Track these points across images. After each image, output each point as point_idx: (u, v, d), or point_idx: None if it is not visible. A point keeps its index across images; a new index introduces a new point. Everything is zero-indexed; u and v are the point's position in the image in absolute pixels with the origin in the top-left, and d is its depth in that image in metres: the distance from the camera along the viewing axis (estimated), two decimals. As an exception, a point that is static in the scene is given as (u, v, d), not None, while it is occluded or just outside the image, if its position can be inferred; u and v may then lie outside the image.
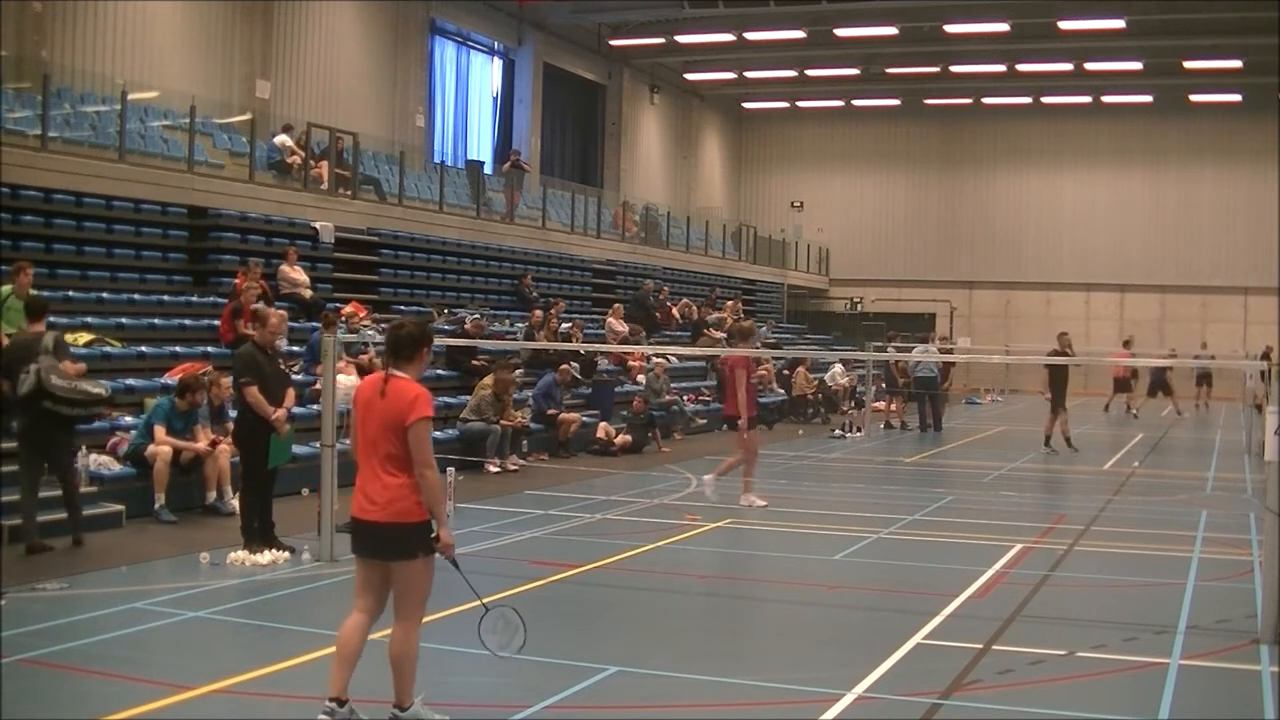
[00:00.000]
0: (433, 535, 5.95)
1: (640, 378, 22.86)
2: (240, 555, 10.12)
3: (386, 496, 5.91)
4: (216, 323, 16.42)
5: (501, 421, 16.80)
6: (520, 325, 22.43)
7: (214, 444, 12.45)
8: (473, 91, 33.94)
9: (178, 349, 15.54)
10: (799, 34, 35.15)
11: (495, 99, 34.76)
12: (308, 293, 18.82)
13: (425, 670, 7.25)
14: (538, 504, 13.74)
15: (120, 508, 11.66)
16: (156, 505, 11.94)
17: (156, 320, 16.36)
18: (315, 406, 13.31)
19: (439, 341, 18.78)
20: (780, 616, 9.14)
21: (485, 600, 6.37)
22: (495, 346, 19.18)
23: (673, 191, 42.69)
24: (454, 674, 6.48)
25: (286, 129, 21.93)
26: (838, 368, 29.53)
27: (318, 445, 10.72)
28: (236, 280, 16.88)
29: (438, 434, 16.70)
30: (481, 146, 33.69)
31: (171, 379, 13.70)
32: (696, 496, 14.93)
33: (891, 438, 24.24)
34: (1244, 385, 26.86)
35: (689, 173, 44.54)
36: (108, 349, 14.57)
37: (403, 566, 5.97)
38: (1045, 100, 42.84)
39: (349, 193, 22.39)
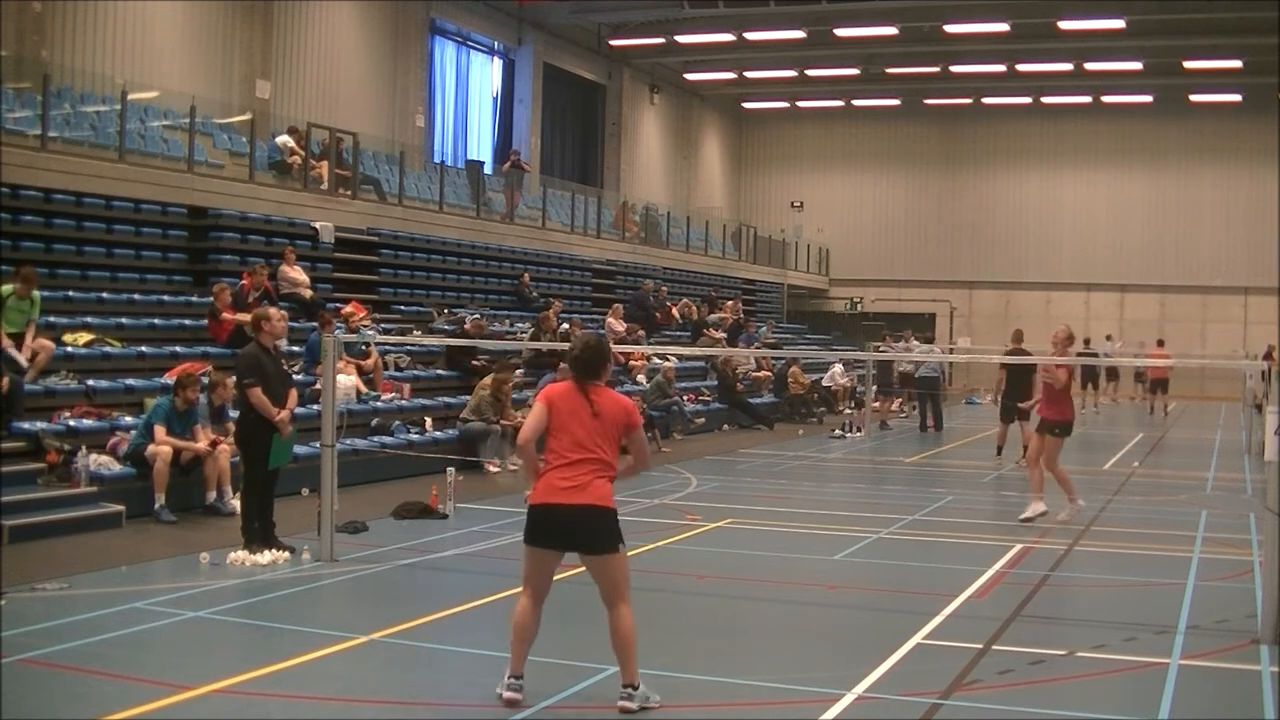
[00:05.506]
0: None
1: (640, 377, 22.84)
2: (240, 555, 10.10)
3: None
4: (215, 323, 16.43)
5: (501, 421, 16.80)
6: (520, 326, 22.41)
7: (214, 444, 12.43)
8: (473, 91, 33.94)
9: (178, 349, 15.52)
10: (799, 34, 35.14)
11: (495, 99, 34.76)
12: (308, 293, 18.81)
13: (424, 670, 7.28)
14: (538, 504, 13.70)
15: (120, 508, 11.65)
16: (156, 505, 11.93)
17: (156, 320, 16.34)
18: (315, 407, 13.30)
19: (440, 341, 18.88)
20: (780, 616, 9.12)
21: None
22: (495, 346, 19.19)
23: (673, 191, 42.68)
24: (454, 674, 6.47)
25: (291, 131, 21.91)
26: (838, 368, 29.53)
27: (318, 445, 10.72)
28: (243, 281, 16.88)
29: (437, 433, 16.72)
30: (481, 146, 33.69)
31: (171, 379, 13.69)
32: (696, 496, 14.94)
33: (890, 437, 24.25)
34: (1244, 385, 26.84)
35: (689, 173, 44.53)
36: (108, 349, 14.55)
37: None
38: (1045, 100, 42.81)
39: (349, 193, 22.37)
